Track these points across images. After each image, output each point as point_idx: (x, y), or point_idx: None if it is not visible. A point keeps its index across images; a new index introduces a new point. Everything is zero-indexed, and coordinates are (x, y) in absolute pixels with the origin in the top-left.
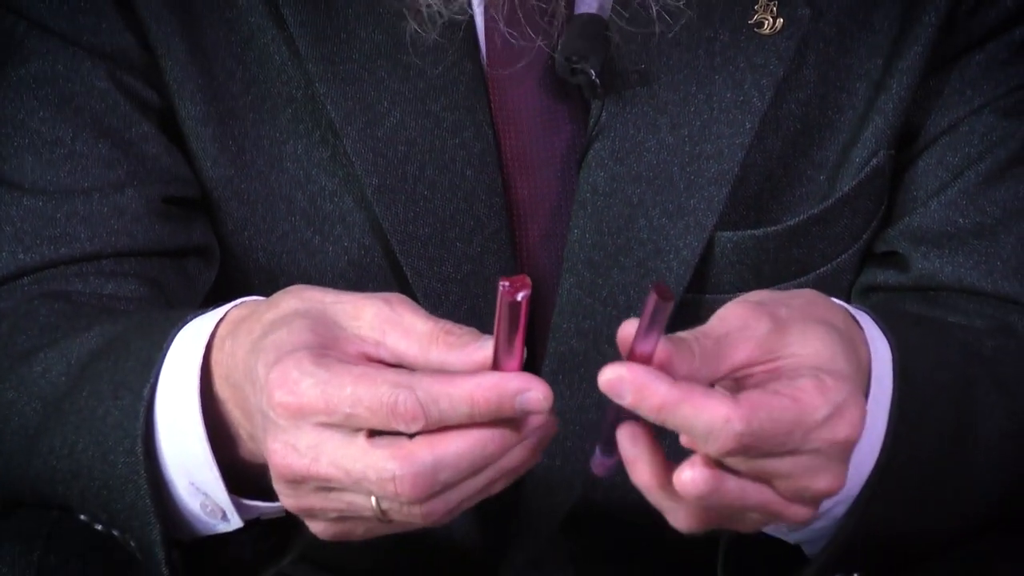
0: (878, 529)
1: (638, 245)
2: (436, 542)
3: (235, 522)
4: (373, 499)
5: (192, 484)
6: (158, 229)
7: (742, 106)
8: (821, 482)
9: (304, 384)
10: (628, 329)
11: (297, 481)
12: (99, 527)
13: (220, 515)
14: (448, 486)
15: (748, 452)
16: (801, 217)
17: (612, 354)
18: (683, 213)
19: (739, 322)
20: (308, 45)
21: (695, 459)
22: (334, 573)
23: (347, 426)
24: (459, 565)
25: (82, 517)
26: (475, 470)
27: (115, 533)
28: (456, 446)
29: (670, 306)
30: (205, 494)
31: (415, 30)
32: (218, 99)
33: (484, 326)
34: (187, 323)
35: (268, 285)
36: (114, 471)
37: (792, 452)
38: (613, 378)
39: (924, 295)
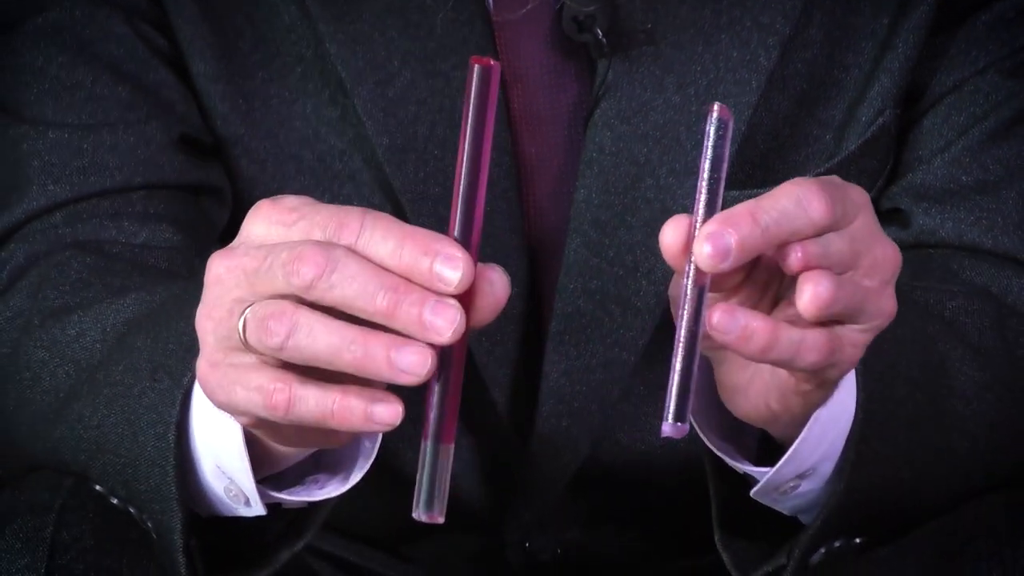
0: (872, 487)
1: (645, 204)
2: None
3: (257, 510)
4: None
5: (218, 467)
6: (182, 160)
7: (748, 65)
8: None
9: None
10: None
11: (228, 271)
12: (115, 501)
13: (243, 501)
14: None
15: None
16: (808, 176)
17: (619, 314)
18: (690, 172)
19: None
20: (318, 4)
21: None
22: (336, 533)
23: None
24: (464, 525)
25: (98, 488)
26: (370, 293)
27: (131, 511)
28: (359, 261)
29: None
30: (230, 479)
31: None
32: (227, 57)
33: None
34: None
35: None
36: (142, 452)
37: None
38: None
39: (923, 253)
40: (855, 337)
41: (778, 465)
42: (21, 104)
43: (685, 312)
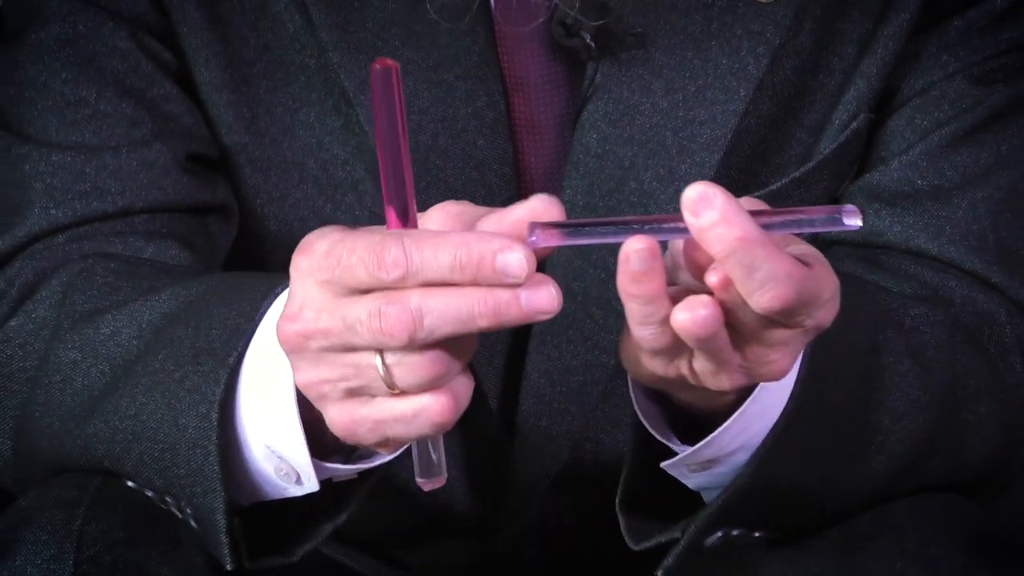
0: (778, 481)
1: (628, 207)
2: (436, 510)
3: (310, 486)
4: (376, 357)
5: (268, 448)
6: (186, 183)
7: (738, 73)
8: (783, 360)
9: (316, 244)
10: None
11: (302, 342)
12: (150, 494)
13: (295, 479)
14: (435, 332)
15: (785, 312)
16: (784, 180)
17: (600, 317)
18: (674, 178)
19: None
20: (321, 13)
21: (707, 299)
22: (329, 538)
23: (345, 282)
24: (454, 530)
25: (130, 484)
26: (462, 322)
27: (168, 500)
28: (441, 292)
29: None
30: (281, 458)
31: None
32: (232, 66)
33: None
34: (278, 294)
35: (280, 253)
36: (183, 435)
37: (790, 324)
38: (702, 191)
39: (870, 253)
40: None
41: (697, 447)
42: (24, 120)
43: None
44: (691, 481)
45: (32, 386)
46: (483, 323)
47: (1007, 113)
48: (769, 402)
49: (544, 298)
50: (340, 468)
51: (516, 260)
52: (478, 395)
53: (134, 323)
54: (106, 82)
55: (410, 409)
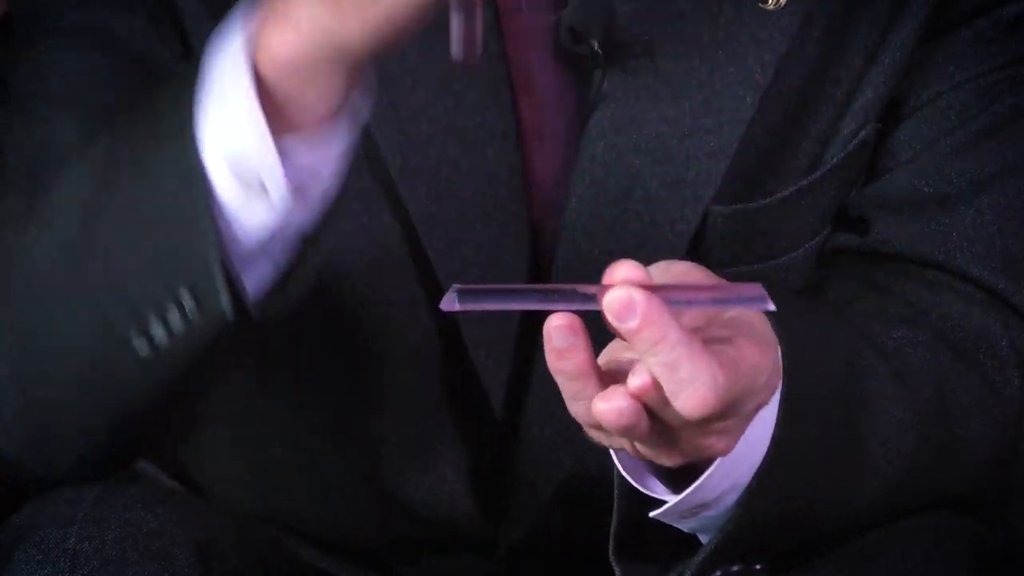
0: (769, 516)
1: (635, 217)
2: (436, 521)
3: (277, 189)
4: None
5: (228, 160)
6: None
7: (744, 81)
8: (721, 443)
9: None
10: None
11: None
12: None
13: (259, 185)
14: None
15: (712, 417)
16: (791, 189)
17: (605, 324)
18: (681, 186)
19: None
20: None
21: (623, 389)
22: (327, 550)
23: None
24: (456, 541)
25: (135, 343)
26: None
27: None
28: None
29: None
30: (243, 165)
31: None
32: None
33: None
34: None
35: None
36: (171, 184)
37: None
38: (624, 297)
39: (865, 271)
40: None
41: (682, 495)
42: (42, 104)
43: None
44: (684, 525)
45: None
46: None
47: (1013, 121)
48: (752, 439)
49: None
50: (304, 151)
51: None
52: (483, 403)
53: (75, 173)
54: (123, 59)
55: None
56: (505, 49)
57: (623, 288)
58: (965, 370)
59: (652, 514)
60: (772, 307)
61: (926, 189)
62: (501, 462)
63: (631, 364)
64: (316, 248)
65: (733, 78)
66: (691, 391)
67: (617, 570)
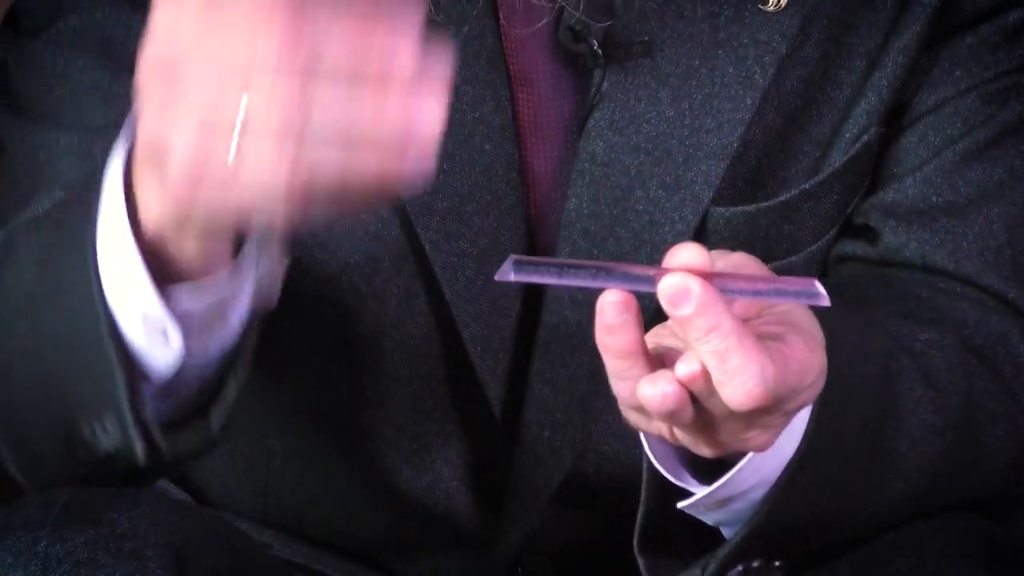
0: (795, 515)
1: (634, 216)
2: (435, 520)
3: (175, 338)
4: (244, 96)
5: (132, 305)
6: None
7: (744, 81)
8: (761, 439)
9: None
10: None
11: (164, 64)
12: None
13: (162, 332)
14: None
15: (758, 411)
16: (793, 192)
17: None
18: (680, 186)
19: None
20: None
21: (669, 374)
22: (323, 549)
23: None
24: (454, 540)
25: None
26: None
27: (82, 424)
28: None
29: None
30: (144, 309)
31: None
32: None
33: (498, 302)
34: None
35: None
36: (73, 316)
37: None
38: (679, 285)
39: (883, 273)
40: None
41: (713, 487)
42: (42, 110)
43: None
44: (708, 518)
45: None
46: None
47: (1021, 128)
48: (782, 438)
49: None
50: (191, 303)
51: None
52: (481, 401)
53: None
54: (121, 67)
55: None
56: (503, 46)
57: (680, 275)
58: (988, 375)
59: (680, 504)
60: (827, 302)
61: (934, 198)
62: (500, 461)
63: (677, 351)
64: (236, 376)
65: (733, 79)
66: (740, 382)
67: (641, 562)
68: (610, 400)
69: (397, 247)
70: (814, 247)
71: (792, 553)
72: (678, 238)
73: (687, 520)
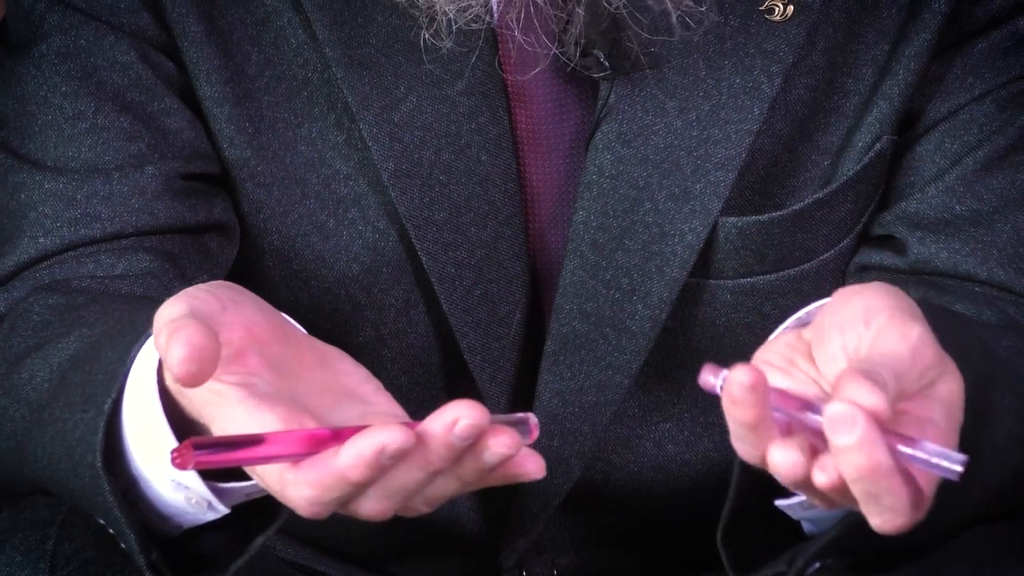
0: None
1: (643, 228)
2: (439, 526)
3: (221, 510)
4: None
5: (174, 480)
6: (178, 206)
7: (751, 92)
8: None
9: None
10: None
11: None
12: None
13: (206, 506)
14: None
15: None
16: (806, 201)
17: (613, 336)
18: (689, 197)
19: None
20: (325, 28)
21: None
22: (326, 553)
23: None
24: (458, 546)
25: None
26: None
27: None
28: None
29: None
30: (187, 488)
31: (427, 37)
32: (234, 80)
33: (497, 311)
34: (149, 335)
35: (282, 267)
36: (83, 483)
37: None
38: (850, 414)
39: (923, 279)
40: None
41: None
42: (25, 136)
43: None
44: (800, 515)
45: None
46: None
47: None
48: None
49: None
50: (242, 486)
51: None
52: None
53: (47, 366)
54: (105, 96)
55: None
56: (500, 56)
57: (845, 404)
58: None
59: (779, 503)
60: (957, 472)
61: (958, 207)
62: None
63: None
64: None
65: (740, 89)
66: (889, 517)
67: (724, 554)
68: (618, 411)
69: (395, 258)
70: (827, 255)
71: (864, 553)
72: (687, 249)
73: (769, 517)
